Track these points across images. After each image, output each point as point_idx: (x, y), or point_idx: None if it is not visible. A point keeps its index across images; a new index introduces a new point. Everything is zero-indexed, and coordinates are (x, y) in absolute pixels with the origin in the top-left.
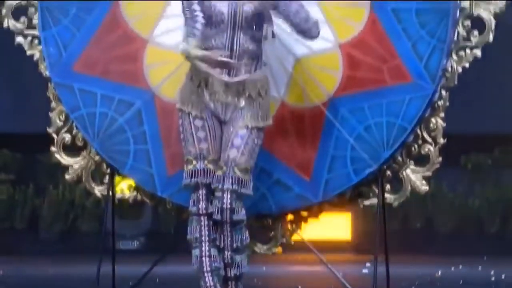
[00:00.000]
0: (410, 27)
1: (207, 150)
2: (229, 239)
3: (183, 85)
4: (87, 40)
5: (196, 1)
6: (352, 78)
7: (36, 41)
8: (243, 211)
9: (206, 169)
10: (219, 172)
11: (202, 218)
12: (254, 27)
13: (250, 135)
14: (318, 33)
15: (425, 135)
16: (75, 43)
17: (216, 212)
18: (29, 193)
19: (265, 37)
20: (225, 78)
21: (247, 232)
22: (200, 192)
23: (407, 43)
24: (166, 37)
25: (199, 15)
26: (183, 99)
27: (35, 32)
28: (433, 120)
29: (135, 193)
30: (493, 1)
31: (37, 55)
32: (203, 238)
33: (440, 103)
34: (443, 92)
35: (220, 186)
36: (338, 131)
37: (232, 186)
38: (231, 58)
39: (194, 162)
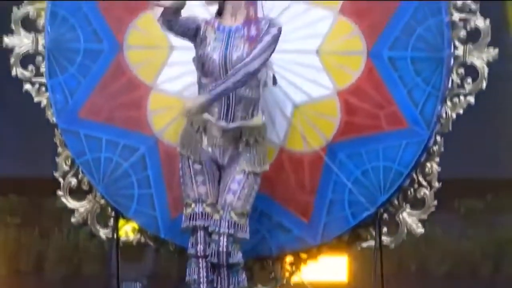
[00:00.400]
0: (406, 75)
1: (206, 193)
2: (226, 281)
3: (183, 129)
4: (92, 87)
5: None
6: (349, 124)
7: (43, 88)
8: (240, 254)
9: (204, 213)
10: (216, 216)
11: (200, 260)
12: None
13: (247, 180)
14: (255, 69)
15: (421, 179)
16: (81, 90)
17: (213, 255)
18: (34, 236)
19: (265, 83)
20: (223, 123)
21: (244, 274)
22: (199, 234)
23: (403, 90)
24: (170, 84)
25: None
26: (183, 143)
27: (43, 80)
28: (428, 164)
29: (139, 235)
30: (486, 50)
31: (44, 102)
32: (201, 279)
33: (435, 148)
34: (438, 138)
35: (217, 230)
36: (336, 176)
37: (229, 230)
38: (227, 104)
39: (193, 205)
